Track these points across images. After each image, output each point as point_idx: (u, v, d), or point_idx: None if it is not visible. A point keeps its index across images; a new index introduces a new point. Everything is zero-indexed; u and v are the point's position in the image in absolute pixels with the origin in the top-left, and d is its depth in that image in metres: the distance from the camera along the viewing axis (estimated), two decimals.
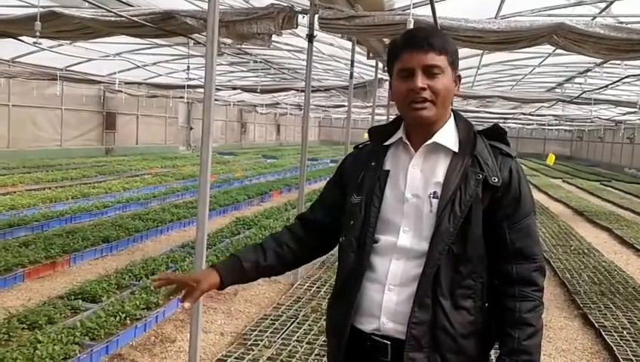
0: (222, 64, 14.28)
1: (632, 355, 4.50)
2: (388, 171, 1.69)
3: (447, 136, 1.66)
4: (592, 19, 6.46)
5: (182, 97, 18.51)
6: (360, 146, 1.87)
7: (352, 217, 1.70)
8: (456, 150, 1.64)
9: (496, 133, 1.71)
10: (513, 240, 1.62)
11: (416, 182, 1.65)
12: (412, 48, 1.61)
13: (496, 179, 1.60)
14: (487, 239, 1.62)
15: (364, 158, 1.77)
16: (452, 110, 1.73)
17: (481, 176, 1.60)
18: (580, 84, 13.38)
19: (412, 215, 1.63)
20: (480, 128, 1.73)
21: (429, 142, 1.65)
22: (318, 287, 5.87)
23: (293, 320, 4.87)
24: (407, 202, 1.64)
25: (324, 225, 1.85)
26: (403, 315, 1.59)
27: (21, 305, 4.84)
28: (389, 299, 1.62)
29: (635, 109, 14.16)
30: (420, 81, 1.59)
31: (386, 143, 1.74)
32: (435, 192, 1.61)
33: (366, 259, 1.66)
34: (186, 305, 1.72)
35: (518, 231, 1.62)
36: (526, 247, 1.63)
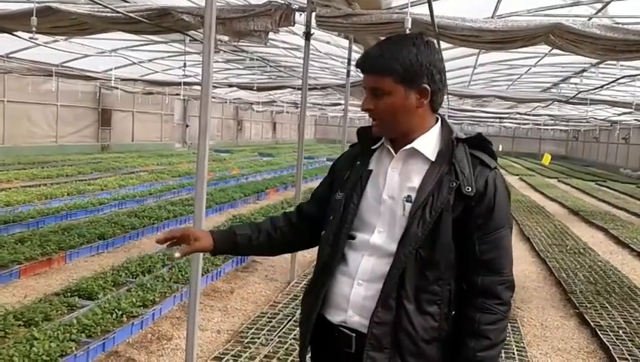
0: (218, 61, 14.24)
1: (628, 354, 4.52)
2: (370, 171, 1.74)
3: (427, 143, 1.68)
4: (589, 20, 6.48)
5: (178, 94, 18.45)
6: (354, 145, 1.91)
7: (333, 213, 1.76)
8: (433, 158, 1.66)
9: (479, 143, 1.71)
10: (482, 251, 1.62)
11: (394, 184, 1.68)
12: (361, 70, 1.69)
13: (470, 189, 1.60)
14: (457, 247, 1.62)
15: (352, 157, 1.83)
16: (440, 117, 1.74)
17: (454, 184, 1.61)
18: (576, 84, 13.41)
19: (387, 216, 1.67)
20: (465, 135, 1.73)
21: (408, 147, 1.68)
22: None
23: (289, 318, 4.87)
24: (384, 203, 1.68)
25: (315, 217, 1.89)
26: (369, 310, 1.62)
27: (17, 302, 4.83)
28: (356, 293, 1.66)
29: (631, 110, 14.22)
30: (366, 103, 1.69)
31: (374, 147, 1.79)
32: (409, 196, 1.64)
33: (340, 253, 1.71)
34: (177, 255, 1.80)
35: (488, 242, 1.62)
36: (494, 259, 1.63)
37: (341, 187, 1.77)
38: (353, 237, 1.70)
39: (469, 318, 1.62)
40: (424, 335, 1.60)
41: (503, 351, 1.73)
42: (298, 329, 1.91)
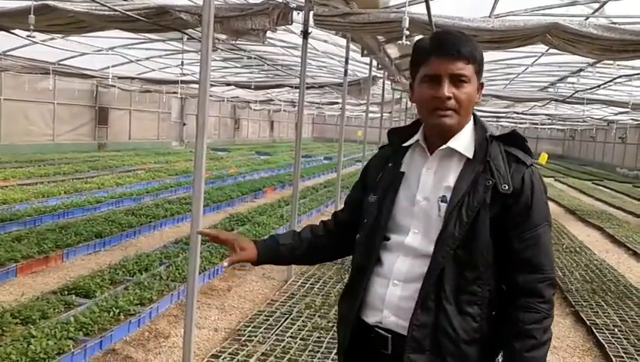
0: (215, 60, 14.22)
1: (623, 352, 4.55)
2: (403, 173, 1.73)
3: (463, 141, 1.66)
4: (586, 20, 6.50)
5: (175, 92, 18.45)
6: (384, 147, 1.90)
7: (367, 215, 1.75)
8: (470, 156, 1.64)
9: (513, 139, 1.69)
10: (521, 250, 1.60)
11: (428, 185, 1.67)
12: (442, 55, 1.60)
13: (507, 187, 1.58)
14: (496, 246, 1.60)
15: (383, 159, 1.82)
16: (473, 114, 1.72)
17: (490, 182, 1.59)
18: (573, 83, 13.44)
19: (421, 217, 1.65)
20: (498, 133, 1.71)
21: (444, 147, 1.66)
22: (312, 284, 5.88)
23: (287, 316, 4.88)
24: (418, 204, 1.66)
25: (350, 224, 1.87)
26: (405, 310, 1.61)
27: (14, 300, 4.82)
28: (392, 293, 1.65)
29: (627, 109, 14.26)
30: (447, 90, 1.59)
31: (405, 145, 1.77)
32: (444, 196, 1.62)
33: (375, 255, 1.70)
34: (225, 264, 1.87)
35: (527, 240, 1.60)
36: (533, 257, 1.60)
37: (374, 189, 1.76)
38: (388, 239, 1.69)
39: (513, 319, 1.59)
40: (464, 336, 1.57)
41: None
42: (336, 331, 1.92)
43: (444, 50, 1.60)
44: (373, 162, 1.88)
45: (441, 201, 1.61)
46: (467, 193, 1.59)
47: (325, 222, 1.99)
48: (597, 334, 4.94)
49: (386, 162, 1.78)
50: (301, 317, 4.88)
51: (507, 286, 1.63)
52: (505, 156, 1.64)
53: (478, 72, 1.63)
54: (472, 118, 1.71)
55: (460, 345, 1.58)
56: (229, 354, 4.05)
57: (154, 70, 15.68)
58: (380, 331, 1.66)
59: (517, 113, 20.62)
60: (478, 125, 1.70)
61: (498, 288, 1.63)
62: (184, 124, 27.39)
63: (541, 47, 7.42)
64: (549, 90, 15.47)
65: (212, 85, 15.82)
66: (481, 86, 1.67)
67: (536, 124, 29.74)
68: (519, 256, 1.60)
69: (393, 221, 1.69)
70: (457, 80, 1.60)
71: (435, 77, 1.60)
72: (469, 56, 1.59)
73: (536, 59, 11.00)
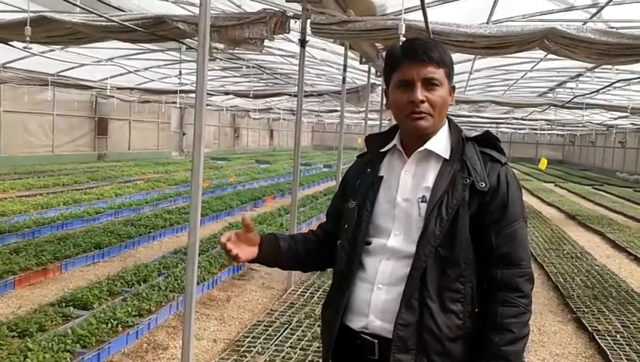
0: (214, 69, 14.26)
1: (626, 359, 4.50)
2: (382, 177, 1.75)
3: (439, 143, 1.70)
4: (583, 24, 6.49)
5: (174, 102, 18.45)
6: (361, 155, 1.93)
7: (347, 221, 1.77)
8: (447, 157, 1.68)
9: (487, 140, 1.74)
10: (499, 245, 1.64)
11: (408, 186, 1.70)
12: (412, 60, 1.65)
13: (484, 184, 1.63)
14: (475, 243, 1.64)
15: (362, 166, 1.85)
16: (447, 117, 1.76)
17: (468, 180, 1.63)
18: (572, 88, 13.45)
19: (402, 218, 1.68)
20: (473, 134, 1.76)
21: (421, 149, 1.70)
22: (311, 293, 5.84)
23: (286, 326, 4.84)
24: (398, 206, 1.69)
25: (335, 233, 1.87)
26: (390, 314, 1.62)
27: (11, 313, 4.80)
28: (377, 298, 1.66)
29: (627, 114, 14.24)
30: (420, 94, 1.64)
31: (382, 150, 1.79)
32: (423, 196, 1.65)
33: (357, 259, 1.71)
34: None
35: (505, 236, 1.64)
36: (511, 253, 1.64)
37: (353, 195, 1.78)
38: (369, 243, 1.71)
39: (492, 313, 1.62)
40: (449, 334, 1.60)
41: None
42: (320, 339, 1.90)
43: (414, 55, 1.65)
44: (352, 170, 1.91)
45: (421, 201, 1.65)
46: (446, 192, 1.63)
47: (314, 231, 2.01)
48: (599, 341, 4.90)
49: (365, 168, 1.81)
50: (301, 326, 4.84)
51: (487, 281, 1.66)
52: (480, 155, 1.69)
53: (449, 75, 1.69)
54: (446, 121, 1.76)
55: (445, 343, 1.60)
56: None
57: (153, 80, 15.70)
58: (366, 337, 1.66)
59: (516, 119, 20.63)
60: (453, 127, 1.75)
61: (479, 285, 1.66)
62: (184, 134, 27.39)
63: (540, 53, 7.43)
64: (548, 95, 15.48)
65: (211, 94, 15.90)
66: (452, 89, 1.72)
67: (536, 129, 29.74)
68: (497, 252, 1.64)
69: (374, 225, 1.71)
70: (429, 84, 1.65)
71: (407, 82, 1.66)
72: (438, 60, 1.65)
73: (535, 65, 11.01)
